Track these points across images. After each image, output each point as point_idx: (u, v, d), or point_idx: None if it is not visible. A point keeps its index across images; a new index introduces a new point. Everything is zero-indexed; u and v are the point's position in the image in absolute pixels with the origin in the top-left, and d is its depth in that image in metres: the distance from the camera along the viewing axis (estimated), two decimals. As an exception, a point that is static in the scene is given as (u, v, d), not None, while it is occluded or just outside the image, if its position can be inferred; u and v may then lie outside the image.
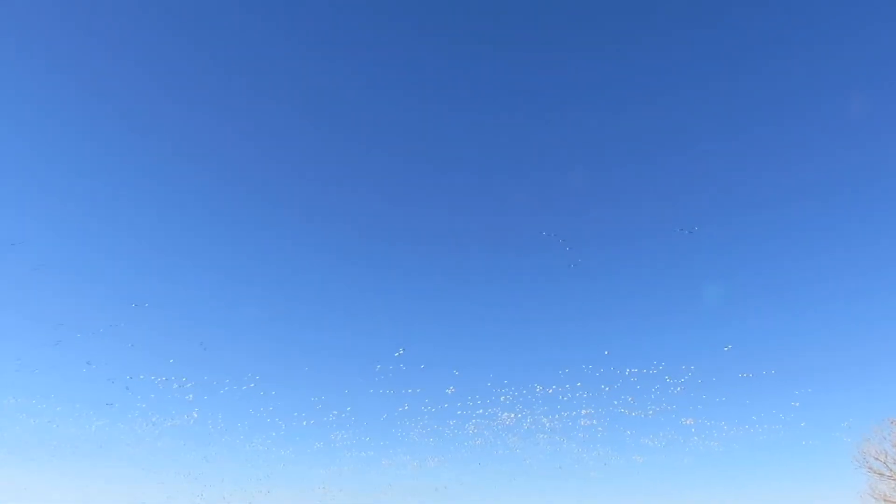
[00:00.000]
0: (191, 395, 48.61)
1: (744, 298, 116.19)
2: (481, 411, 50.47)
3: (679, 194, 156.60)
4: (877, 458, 41.45)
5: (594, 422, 48.99)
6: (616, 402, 47.18)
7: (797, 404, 49.65)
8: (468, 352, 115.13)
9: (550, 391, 48.42)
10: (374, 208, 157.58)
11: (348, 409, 53.41)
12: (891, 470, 41.13)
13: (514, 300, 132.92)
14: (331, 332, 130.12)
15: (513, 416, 50.35)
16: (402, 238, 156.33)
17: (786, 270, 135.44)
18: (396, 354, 47.13)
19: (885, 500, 40.91)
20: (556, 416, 49.77)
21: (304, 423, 54.12)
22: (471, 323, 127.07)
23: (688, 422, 47.98)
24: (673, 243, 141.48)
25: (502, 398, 49.33)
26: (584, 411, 47.58)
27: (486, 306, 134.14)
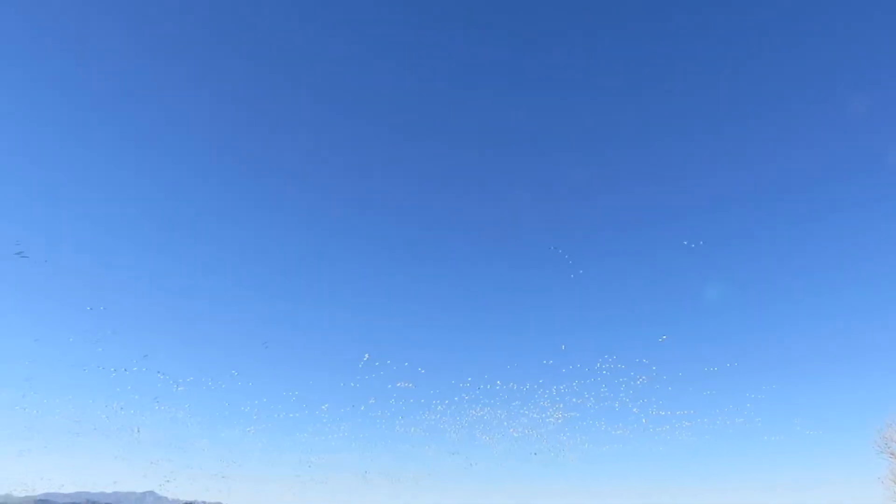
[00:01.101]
0: (181, 388, 48.57)
1: (717, 297, 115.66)
2: (445, 406, 50.30)
3: (650, 194, 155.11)
4: (900, 444, 40.21)
5: (575, 413, 48.65)
6: (593, 396, 46.87)
7: (762, 397, 49.48)
8: (444, 350, 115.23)
9: (525, 387, 48.32)
10: (358, 210, 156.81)
11: (325, 406, 53.64)
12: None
13: (483, 300, 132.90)
14: (310, 330, 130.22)
15: (486, 410, 50.35)
16: (382, 239, 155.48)
17: (755, 269, 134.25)
18: (365, 358, 47.37)
19: (906, 485, 40.02)
20: (531, 408, 49.75)
21: (281, 415, 54.29)
22: (448, 322, 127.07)
23: (661, 413, 47.67)
24: (643, 243, 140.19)
25: (466, 396, 49.50)
26: (550, 405, 47.40)
27: (458, 305, 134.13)
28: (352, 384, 49.76)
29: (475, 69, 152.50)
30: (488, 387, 48.71)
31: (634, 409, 47.57)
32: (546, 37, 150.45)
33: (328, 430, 55.29)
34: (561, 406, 46.79)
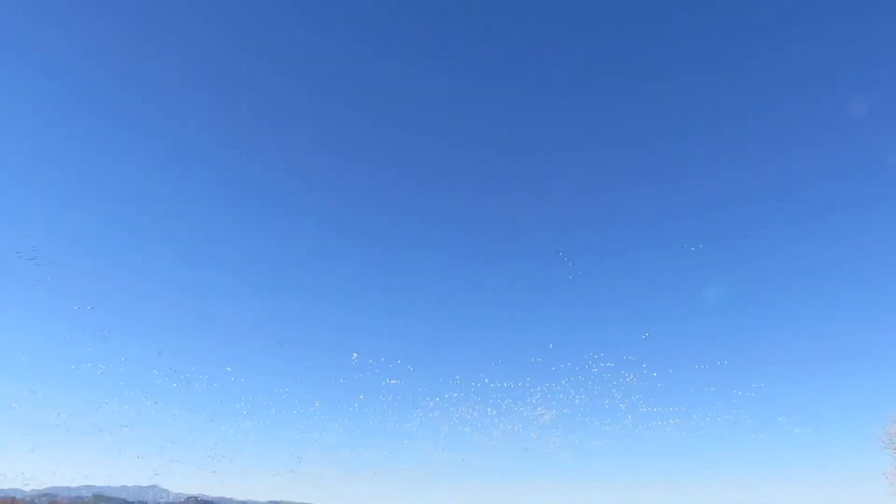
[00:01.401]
0: (175, 384, 50.41)
1: (709, 296, 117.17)
2: (436, 403, 51.82)
3: (648, 193, 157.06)
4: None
5: (566, 410, 50.01)
6: (582, 394, 48.14)
7: (751, 395, 50.59)
8: (434, 348, 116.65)
9: (518, 384, 49.68)
10: (355, 208, 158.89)
11: (317, 402, 55.18)
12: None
13: (474, 299, 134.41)
14: (304, 327, 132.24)
15: (476, 408, 51.70)
16: (376, 237, 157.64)
17: (750, 269, 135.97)
18: (354, 358, 48.68)
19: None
20: (521, 406, 51.08)
21: (274, 412, 55.94)
22: (439, 320, 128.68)
23: (650, 410, 48.74)
24: (638, 242, 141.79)
25: (456, 394, 50.89)
26: (540, 403, 48.72)
27: (449, 304, 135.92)
28: (342, 381, 51.23)
29: (476, 69, 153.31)
30: (478, 384, 50.23)
31: (623, 406, 49.08)
32: (547, 37, 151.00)
33: (321, 426, 56.77)
34: (553, 403, 48.18)
